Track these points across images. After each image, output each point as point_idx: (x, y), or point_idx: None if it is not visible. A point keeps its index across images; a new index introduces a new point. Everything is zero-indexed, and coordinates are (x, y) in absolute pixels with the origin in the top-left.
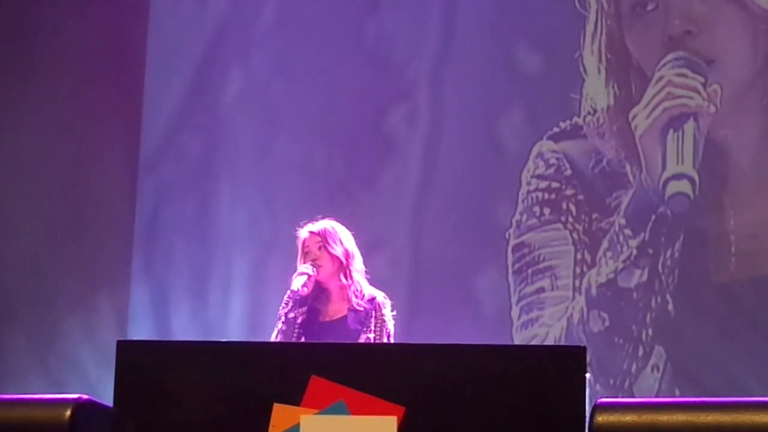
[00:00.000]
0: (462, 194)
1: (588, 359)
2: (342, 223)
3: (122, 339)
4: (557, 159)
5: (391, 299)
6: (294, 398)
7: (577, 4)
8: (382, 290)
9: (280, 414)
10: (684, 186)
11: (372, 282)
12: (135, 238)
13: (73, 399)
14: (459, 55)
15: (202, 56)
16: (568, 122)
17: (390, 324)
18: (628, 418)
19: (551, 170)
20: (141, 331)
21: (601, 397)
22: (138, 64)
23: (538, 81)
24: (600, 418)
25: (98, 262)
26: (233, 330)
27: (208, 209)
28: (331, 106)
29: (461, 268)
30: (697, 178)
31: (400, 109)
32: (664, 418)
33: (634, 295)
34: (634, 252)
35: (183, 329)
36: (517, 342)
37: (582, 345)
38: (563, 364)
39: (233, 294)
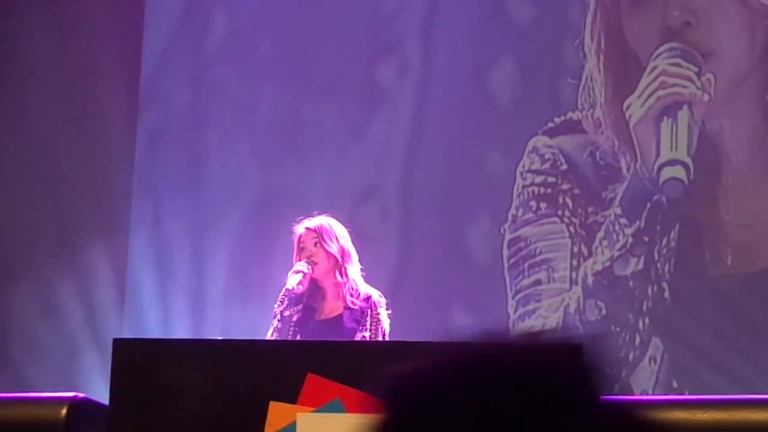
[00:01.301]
0: (452, 144)
1: None
2: (331, 174)
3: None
4: (552, 154)
5: (380, 250)
6: (290, 396)
7: None
8: (372, 242)
9: (277, 412)
10: (678, 171)
11: (362, 233)
12: (134, 188)
13: (69, 397)
14: (449, 4)
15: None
16: (562, 117)
17: (385, 323)
18: None
19: (546, 165)
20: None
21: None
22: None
23: (528, 31)
24: None
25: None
26: (227, 290)
27: (195, 161)
28: (319, 56)
29: (451, 218)
30: (691, 165)
31: (390, 59)
32: (661, 415)
33: (630, 283)
34: (630, 240)
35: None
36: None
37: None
38: (559, 361)
39: (224, 250)
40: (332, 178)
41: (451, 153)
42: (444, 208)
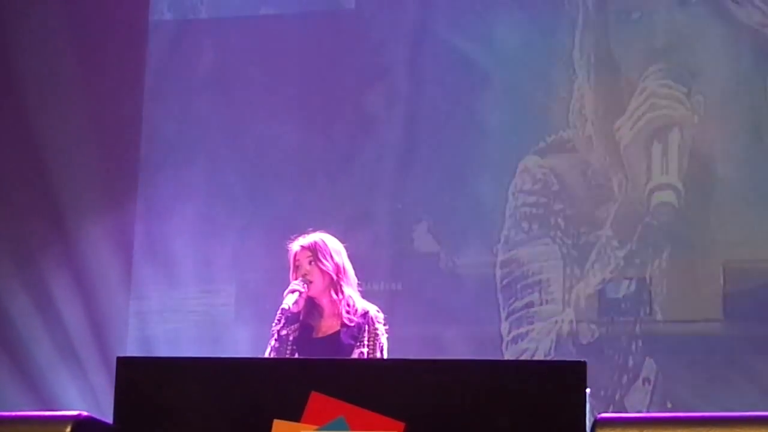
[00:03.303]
0: (443, 170)
1: None
2: (322, 202)
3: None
4: (544, 174)
5: (372, 277)
6: (294, 414)
7: (567, 5)
8: (363, 268)
9: (281, 430)
10: (668, 196)
11: (354, 259)
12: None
13: (73, 416)
14: (437, 31)
15: (174, 31)
16: (553, 136)
17: (383, 338)
18: None
19: (538, 185)
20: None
21: (600, 412)
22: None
23: (517, 57)
24: None
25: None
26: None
27: (184, 191)
28: (308, 85)
29: (444, 244)
30: (681, 188)
31: (379, 87)
32: None
33: (623, 305)
34: (621, 263)
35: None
36: (507, 358)
37: (582, 360)
38: (563, 380)
39: (215, 279)
40: (323, 206)
41: (442, 179)
42: (437, 235)
